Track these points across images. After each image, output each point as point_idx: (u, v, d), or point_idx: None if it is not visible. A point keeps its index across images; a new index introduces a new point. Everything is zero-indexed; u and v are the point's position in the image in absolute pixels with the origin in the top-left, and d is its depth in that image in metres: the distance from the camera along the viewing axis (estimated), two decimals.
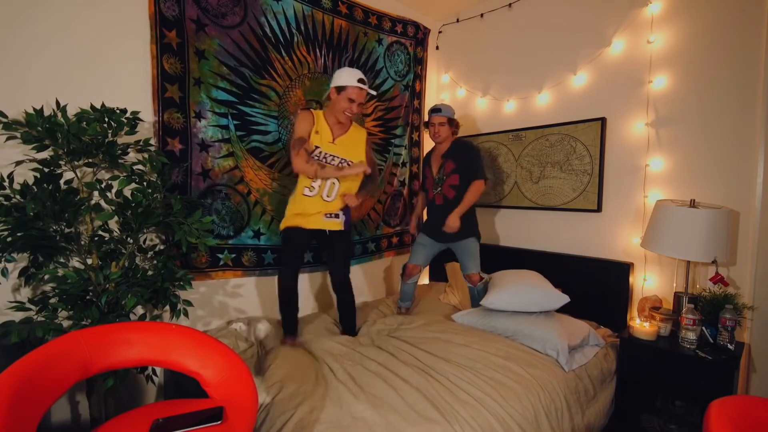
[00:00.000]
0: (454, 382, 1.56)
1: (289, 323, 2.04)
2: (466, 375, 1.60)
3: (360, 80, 1.94)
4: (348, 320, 2.17)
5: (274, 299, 2.12)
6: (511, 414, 1.43)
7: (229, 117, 2.13)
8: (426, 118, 2.47)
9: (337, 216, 2.06)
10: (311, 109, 2.02)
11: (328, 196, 2.02)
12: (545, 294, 2.05)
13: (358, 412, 1.37)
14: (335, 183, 2.02)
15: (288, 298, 2.04)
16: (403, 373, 1.61)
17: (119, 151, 1.58)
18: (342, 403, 1.42)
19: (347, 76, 1.94)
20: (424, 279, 3.35)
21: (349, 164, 2.03)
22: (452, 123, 2.37)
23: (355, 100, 1.95)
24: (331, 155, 2.00)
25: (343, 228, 2.09)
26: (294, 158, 1.92)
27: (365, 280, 2.93)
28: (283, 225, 2.05)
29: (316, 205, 2.01)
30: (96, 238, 1.55)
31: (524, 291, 2.06)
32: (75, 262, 1.62)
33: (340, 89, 1.94)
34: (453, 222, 2.25)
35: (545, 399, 1.57)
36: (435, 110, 2.35)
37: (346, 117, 1.99)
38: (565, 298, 2.02)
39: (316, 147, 1.96)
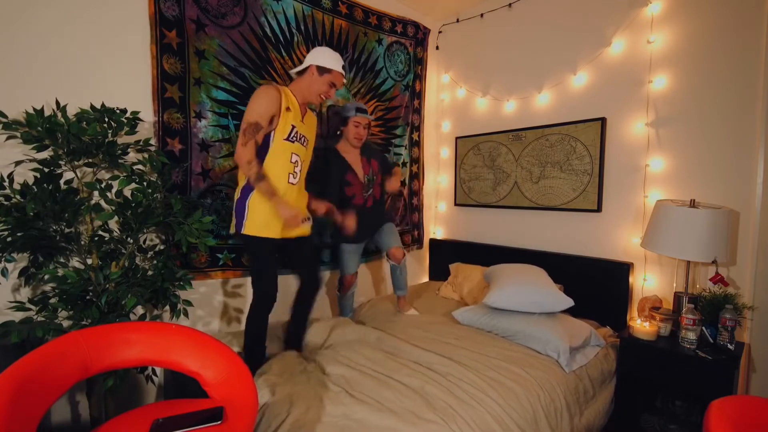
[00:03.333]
0: (453, 382, 1.56)
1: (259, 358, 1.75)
2: (465, 375, 1.60)
3: (343, 67, 1.84)
4: (302, 334, 1.99)
5: None
6: (509, 414, 1.43)
7: (230, 117, 2.13)
8: (347, 116, 2.24)
9: (309, 219, 1.88)
10: (276, 85, 1.75)
11: (296, 179, 1.82)
12: (549, 296, 2.03)
13: (355, 413, 1.37)
14: (304, 163, 1.86)
15: (263, 326, 1.77)
16: (401, 374, 1.61)
17: (119, 151, 1.58)
18: (338, 404, 1.42)
19: (331, 58, 1.79)
20: (423, 278, 3.36)
21: (307, 142, 1.86)
22: (369, 126, 2.30)
23: (336, 86, 1.82)
24: (302, 135, 1.82)
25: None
26: (240, 148, 1.63)
27: (370, 279, 2.95)
28: (252, 230, 1.70)
29: (295, 194, 1.81)
30: (96, 238, 1.55)
31: (528, 291, 2.05)
32: (75, 262, 1.62)
33: (323, 70, 1.78)
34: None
35: (544, 399, 1.57)
36: (363, 110, 2.22)
37: (318, 100, 1.82)
38: (569, 301, 2.00)
39: (293, 126, 1.76)
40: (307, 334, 2.02)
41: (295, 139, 1.77)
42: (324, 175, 2.20)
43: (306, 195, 1.95)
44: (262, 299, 1.75)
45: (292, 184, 1.79)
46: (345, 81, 1.82)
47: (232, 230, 1.76)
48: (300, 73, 1.83)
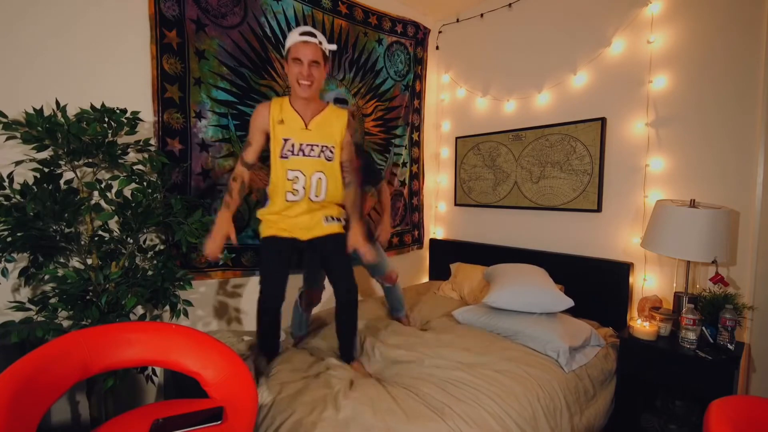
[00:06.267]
0: (451, 381, 1.56)
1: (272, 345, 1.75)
2: (464, 375, 1.60)
3: (305, 33, 1.54)
4: (350, 344, 1.76)
5: None
6: (508, 412, 1.43)
7: (229, 117, 2.13)
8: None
9: (335, 219, 1.75)
10: (273, 99, 1.66)
11: (316, 196, 1.66)
12: (550, 296, 2.03)
13: (353, 412, 1.37)
14: (322, 178, 1.65)
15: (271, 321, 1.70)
16: (400, 375, 1.61)
17: (119, 151, 1.58)
18: (340, 405, 1.42)
19: (290, 37, 1.57)
20: (423, 278, 3.36)
21: (331, 151, 1.67)
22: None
23: (302, 60, 1.52)
24: (308, 144, 1.62)
25: (343, 231, 1.75)
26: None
27: (368, 281, 2.93)
28: (264, 233, 1.68)
29: (302, 210, 1.67)
30: (96, 238, 1.55)
31: (528, 291, 2.05)
32: (75, 262, 1.62)
33: (287, 54, 1.57)
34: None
35: (544, 398, 1.57)
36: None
37: (305, 88, 1.57)
38: (569, 302, 2.00)
39: (286, 140, 1.60)
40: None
41: (290, 153, 1.61)
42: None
43: (325, 207, 1.73)
44: (261, 302, 1.67)
45: (293, 201, 1.65)
46: (316, 43, 1.54)
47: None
48: None
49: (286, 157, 1.62)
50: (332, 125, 1.68)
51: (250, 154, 1.65)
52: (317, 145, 1.65)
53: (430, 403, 1.42)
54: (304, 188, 1.63)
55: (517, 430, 1.39)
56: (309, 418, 1.34)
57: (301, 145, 1.63)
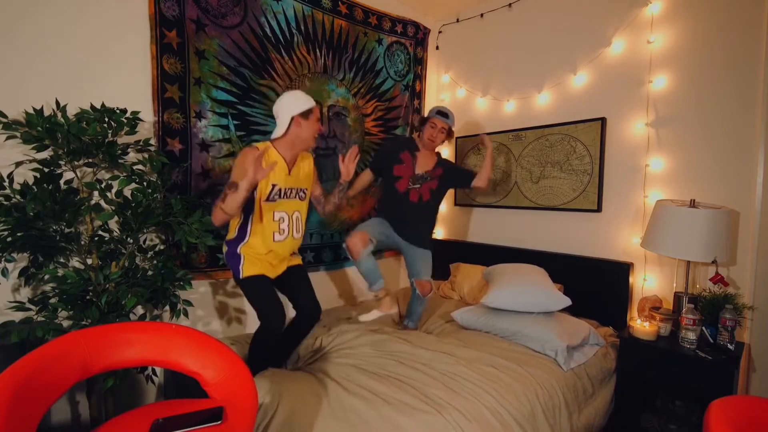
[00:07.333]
0: (449, 377, 1.57)
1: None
2: (462, 370, 1.61)
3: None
4: (285, 357, 1.89)
5: None
6: (506, 408, 1.43)
7: (230, 117, 2.13)
8: (428, 117, 2.23)
9: (297, 253, 1.96)
10: (258, 145, 1.75)
11: (297, 232, 1.84)
12: (547, 295, 2.04)
13: (351, 405, 1.38)
14: (299, 217, 1.85)
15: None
16: (396, 369, 1.62)
17: (119, 151, 1.59)
18: (333, 396, 1.43)
19: (304, 99, 1.76)
20: None
21: (305, 192, 1.88)
22: (450, 134, 2.25)
23: (320, 118, 1.84)
24: (288, 188, 1.79)
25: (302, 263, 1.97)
26: (215, 207, 1.61)
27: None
28: (250, 271, 1.72)
29: (287, 247, 1.82)
30: (96, 238, 1.55)
31: (525, 291, 2.05)
32: (75, 262, 1.62)
33: (307, 113, 1.75)
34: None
35: (543, 396, 1.57)
36: (444, 114, 2.19)
37: (314, 142, 1.83)
38: (566, 300, 2.01)
39: (273, 186, 1.72)
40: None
41: (277, 197, 1.74)
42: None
43: (298, 239, 1.88)
44: (268, 332, 1.71)
45: (279, 241, 1.77)
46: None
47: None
48: (285, 132, 1.76)
49: (274, 201, 1.75)
50: (304, 170, 1.88)
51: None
52: (294, 189, 1.83)
53: (427, 395, 1.43)
54: (287, 228, 1.80)
55: (516, 426, 1.40)
56: (303, 410, 1.34)
57: (284, 190, 1.78)
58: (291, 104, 1.75)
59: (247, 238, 1.73)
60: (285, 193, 1.78)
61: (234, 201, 1.54)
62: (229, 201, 1.55)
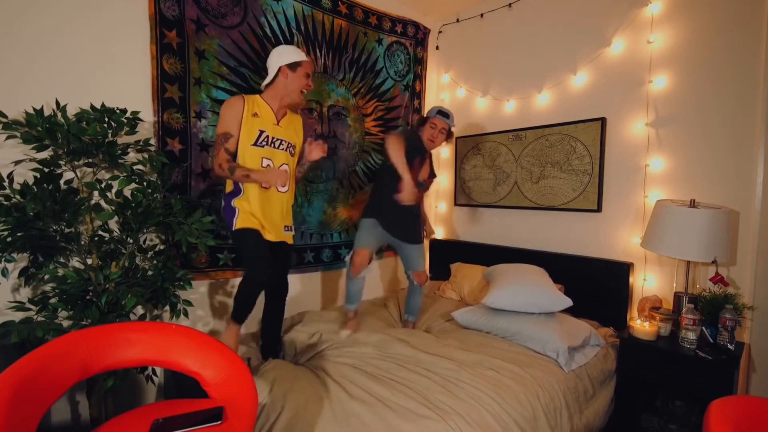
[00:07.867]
0: (451, 380, 1.56)
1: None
2: (464, 375, 1.60)
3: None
4: (278, 345, 1.94)
5: None
6: (508, 412, 1.43)
7: None
8: (428, 116, 2.24)
9: (291, 229, 1.93)
10: (242, 95, 1.77)
11: (283, 185, 1.75)
12: (548, 296, 2.03)
13: (353, 409, 1.37)
14: (287, 169, 1.83)
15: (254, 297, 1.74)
16: (397, 372, 1.61)
17: (119, 151, 1.58)
18: (334, 400, 1.42)
19: (296, 52, 1.79)
20: None
21: (294, 148, 1.89)
22: (450, 135, 2.26)
23: (311, 75, 1.83)
24: (278, 139, 1.80)
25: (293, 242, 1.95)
26: (214, 159, 1.72)
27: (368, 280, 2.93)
28: (244, 224, 1.73)
29: (275, 207, 1.82)
30: (96, 238, 1.55)
31: (526, 291, 2.05)
32: (75, 262, 1.62)
33: (294, 66, 1.77)
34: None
35: (544, 398, 1.57)
36: (445, 114, 2.20)
37: (300, 97, 1.83)
38: (567, 301, 2.01)
39: (261, 131, 1.74)
40: (295, 334, 2.02)
41: (265, 143, 1.76)
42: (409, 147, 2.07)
43: (285, 217, 1.88)
44: (250, 281, 1.71)
45: (266, 188, 1.76)
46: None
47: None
48: (271, 82, 1.80)
49: (262, 146, 1.76)
50: (295, 127, 1.93)
51: (234, 144, 1.72)
52: (285, 141, 1.84)
53: (429, 400, 1.43)
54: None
55: (517, 430, 1.39)
56: (305, 412, 1.34)
57: (272, 137, 1.79)
58: (280, 55, 1.78)
59: (242, 193, 1.75)
60: (272, 142, 1.79)
61: (241, 180, 1.69)
62: (237, 178, 1.68)
